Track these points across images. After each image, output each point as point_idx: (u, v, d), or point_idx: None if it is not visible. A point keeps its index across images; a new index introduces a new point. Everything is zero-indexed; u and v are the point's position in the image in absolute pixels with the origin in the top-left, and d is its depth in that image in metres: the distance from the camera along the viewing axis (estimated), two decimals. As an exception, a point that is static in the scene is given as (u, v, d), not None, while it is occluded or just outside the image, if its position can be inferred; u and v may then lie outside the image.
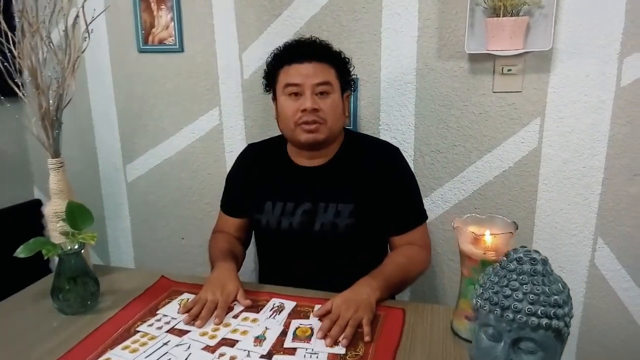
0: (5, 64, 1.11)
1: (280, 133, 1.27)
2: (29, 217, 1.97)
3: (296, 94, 1.16)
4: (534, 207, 1.47)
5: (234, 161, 1.69)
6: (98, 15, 1.21)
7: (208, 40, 1.63)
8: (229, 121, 1.69)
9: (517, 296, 0.72)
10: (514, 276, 0.73)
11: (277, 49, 1.23)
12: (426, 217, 1.25)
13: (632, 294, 1.44)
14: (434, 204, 1.54)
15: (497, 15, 1.31)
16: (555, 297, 0.72)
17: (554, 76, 1.37)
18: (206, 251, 1.80)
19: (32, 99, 1.14)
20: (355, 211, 1.19)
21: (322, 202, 1.21)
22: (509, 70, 1.39)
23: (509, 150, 1.46)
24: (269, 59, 1.24)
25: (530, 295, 0.71)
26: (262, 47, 1.58)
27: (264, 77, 1.25)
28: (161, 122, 1.76)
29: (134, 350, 0.93)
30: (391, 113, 1.53)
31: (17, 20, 1.08)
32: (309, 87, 1.14)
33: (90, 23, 1.19)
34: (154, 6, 1.66)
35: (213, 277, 1.12)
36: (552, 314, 0.71)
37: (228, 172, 1.37)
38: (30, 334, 1.01)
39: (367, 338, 0.94)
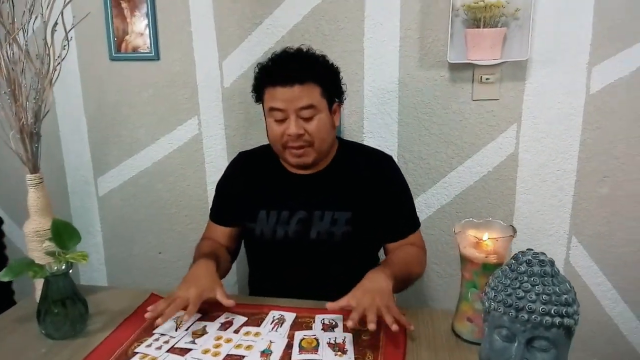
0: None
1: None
2: (-12, 236, 1.84)
3: (282, 119, 1.15)
4: (512, 210, 1.54)
5: (214, 172, 1.67)
6: (79, 22, 1.16)
7: (186, 48, 1.59)
8: (208, 130, 1.65)
9: (531, 297, 0.74)
10: (525, 278, 0.76)
11: (264, 62, 1.20)
12: (419, 224, 1.27)
13: (604, 289, 1.53)
14: (417, 209, 1.56)
15: (478, 27, 1.36)
16: (565, 296, 0.75)
17: (529, 84, 1.45)
18: (186, 265, 1.76)
19: (8, 111, 1.07)
20: (352, 219, 1.20)
21: (318, 211, 1.21)
22: (487, 79, 1.45)
23: (488, 155, 1.52)
24: (256, 70, 1.22)
25: (543, 296, 0.74)
26: (243, 55, 1.56)
27: (252, 91, 1.23)
28: (136, 133, 1.69)
29: (136, 373, 0.89)
30: (375, 121, 1.55)
31: (-7, 26, 1.01)
32: (293, 112, 1.13)
33: (70, 30, 1.13)
34: (127, 12, 1.60)
35: (187, 274, 1.09)
36: (564, 312, 0.74)
37: (218, 180, 1.34)
38: (18, 362, 0.94)
39: (400, 323, 0.93)
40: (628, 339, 1.56)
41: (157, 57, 1.61)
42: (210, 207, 1.35)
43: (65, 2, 1.12)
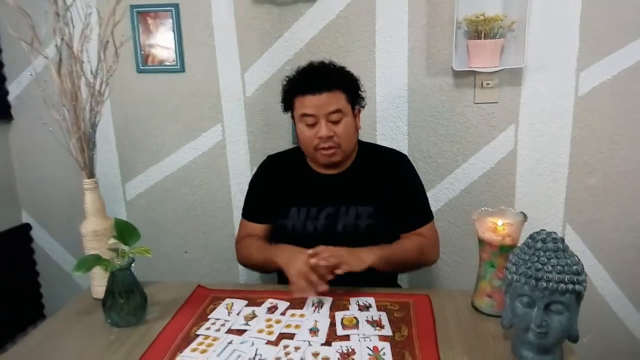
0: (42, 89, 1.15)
1: (293, 146, 1.38)
2: (17, 242, 1.92)
3: (312, 123, 1.28)
4: (513, 201, 1.70)
5: (237, 174, 1.79)
6: (126, 40, 1.27)
7: (209, 60, 1.71)
8: (232, 136, 1.77)
9: (547, 268, 0.89)
10: (542, 253, 0.91)
11: (292, 75, 1.33)
12: (432, 217, 1.41)
13: (596, 271, 1.71)
14: (426, 203, 1.73)
15: (479, 38, 1.52)
16: (575, 266, 0.91)
17: (525, 89, 1.61)
18: (210, 264, 1.88)
19: (69, 122, 1.18)
20: (374, 213, 1.33)
21: (343, 206, 1.34)
22: (487, 84, 1.61)
23: (490, 153, 1.68)
24: (284, 82, 1.34)
25: (558, 267, 0.89)
26: (264, 67, 1.69)
27: (282, 101, 1.35)
28: (162, 140, 1.80)
29: (204, 351, 1.00)
30: (386, 124, 1.70)
31: (58, 45, 1.12)
32: (323, 117, 1.27)
33: (119, 47, 1.24)
34: (153, 28, 1.71)
35: (284, 261, 1.23)
36: (575, 280, 0.89)
37: (249, 182, 1.46)
38: (93, 348, 1.04)
39: (339, 271, 1.14)
40: (618, 315, 1.74)
41: (182, 69, 1.73)
42: (237, 207, 1.47)
43: (114, 23, 1.23)
